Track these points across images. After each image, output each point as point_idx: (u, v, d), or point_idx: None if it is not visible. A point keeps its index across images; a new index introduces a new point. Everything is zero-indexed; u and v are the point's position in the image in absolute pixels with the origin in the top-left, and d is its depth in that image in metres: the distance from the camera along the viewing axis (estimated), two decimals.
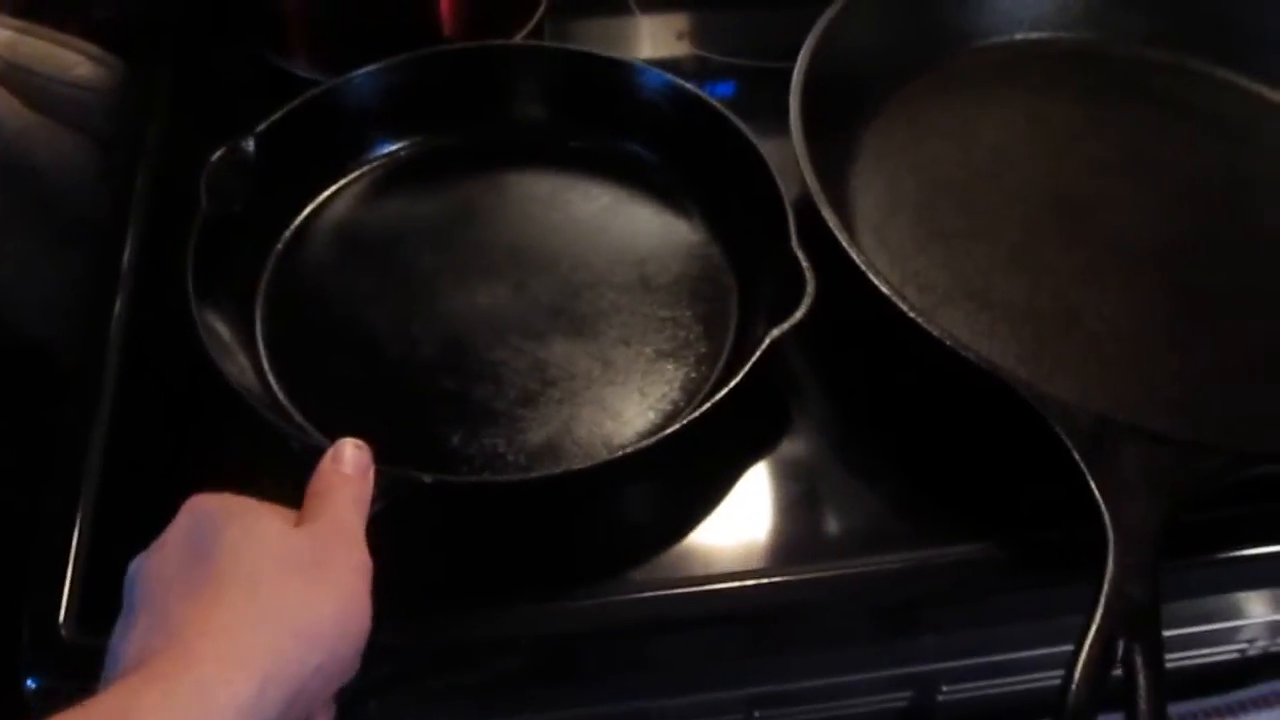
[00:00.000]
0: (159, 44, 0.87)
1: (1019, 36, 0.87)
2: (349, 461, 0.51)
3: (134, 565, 0.47)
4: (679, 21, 0.93)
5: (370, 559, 0.48)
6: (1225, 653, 0.73)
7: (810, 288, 0.59)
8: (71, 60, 0.87)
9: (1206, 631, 0.70)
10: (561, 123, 0.77)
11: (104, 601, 0.55)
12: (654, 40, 0.93)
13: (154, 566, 0.46)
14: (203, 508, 0.47)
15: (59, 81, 0.86)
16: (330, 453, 0.51)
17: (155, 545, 0.47)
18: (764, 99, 0.84)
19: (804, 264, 0.61)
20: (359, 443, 0.52)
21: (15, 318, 0.88)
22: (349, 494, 0.50)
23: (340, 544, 0.47)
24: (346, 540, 0.48)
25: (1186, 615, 0.68)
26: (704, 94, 0.72)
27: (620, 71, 0.75)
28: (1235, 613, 0.70)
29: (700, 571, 0.60)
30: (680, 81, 0.74)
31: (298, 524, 0.48)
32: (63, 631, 0.56)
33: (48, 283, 0.87)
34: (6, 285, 0.86)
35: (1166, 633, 0.65)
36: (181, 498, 0.60)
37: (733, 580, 0.59)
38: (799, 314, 0.59)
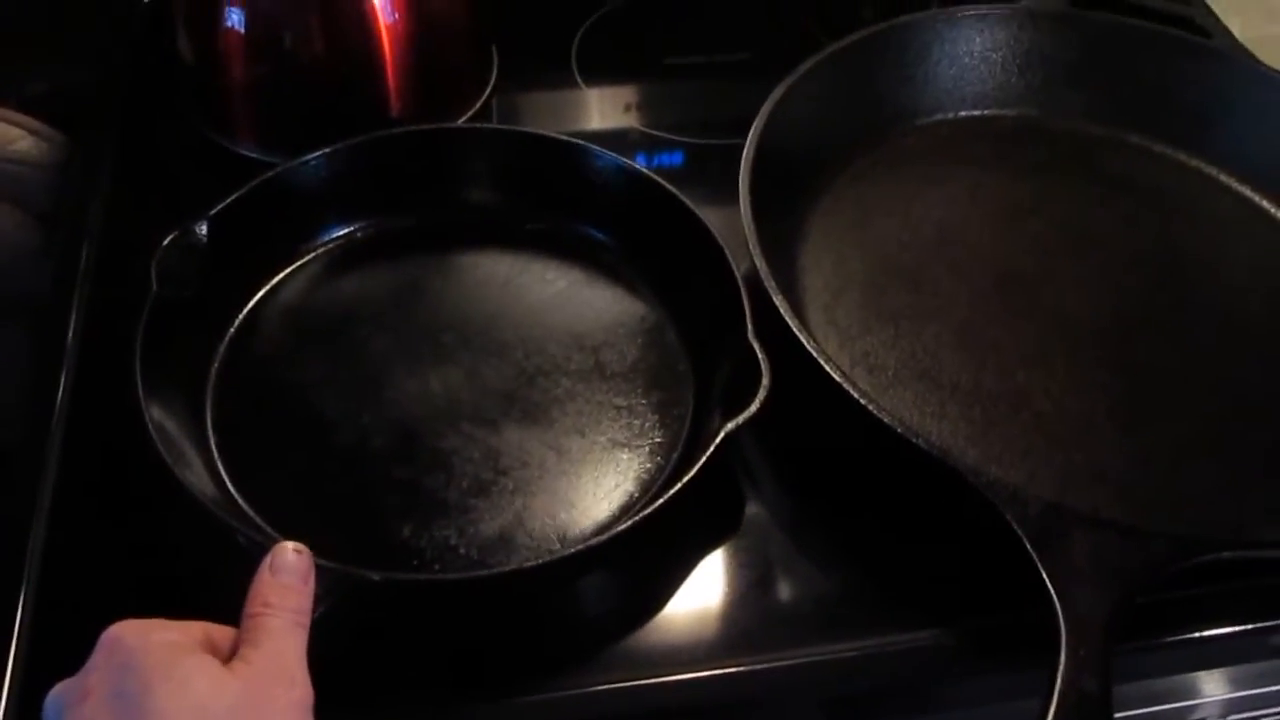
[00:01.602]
0: (101, 120, 0.86)
1: (962, 114, 0.88)
2: (288, 569, 0.49)
3: (54, 705, 0.45)
4: (626, 94, 0.94)
5: (311, 689, 0.47)
6: None
7: (765, 380, 0.59)
8: (11, 135, 0.87)
9: (1159, 712, 0.71)
10: (516, 204, 0.77)
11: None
12: (601, 113, 0.93)
13: None
14: (124, 648, 0.45)
15: None
16: (268, 560, 0.50)
17: (78, 691, 0.45)
18: (710, 168, 0.86)
19: (760, 356, 0.61)
20: (299, 546, 0.51)
21: None
22: (287, 613, 0.48)
23: (278, 683, 0.46)
24: (285, 677, 0.46)
25: (1139, 696, 0.69)
26: (658, 178, 0.73)
27: (573, 154, 0.75)
28: (1187, 692, 0.71)
29: (653, 663, 0.59)
30: (635, 165, 0.74)
31: (233, 653, 0.47)
32: None
33: None
34: None
35: (1121, 715, 0.66)
36: (126, 592, 0.60)
37: (685, 672, 0.59)
38: (753, 408, 0.59)
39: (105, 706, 0.43)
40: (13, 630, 0.58)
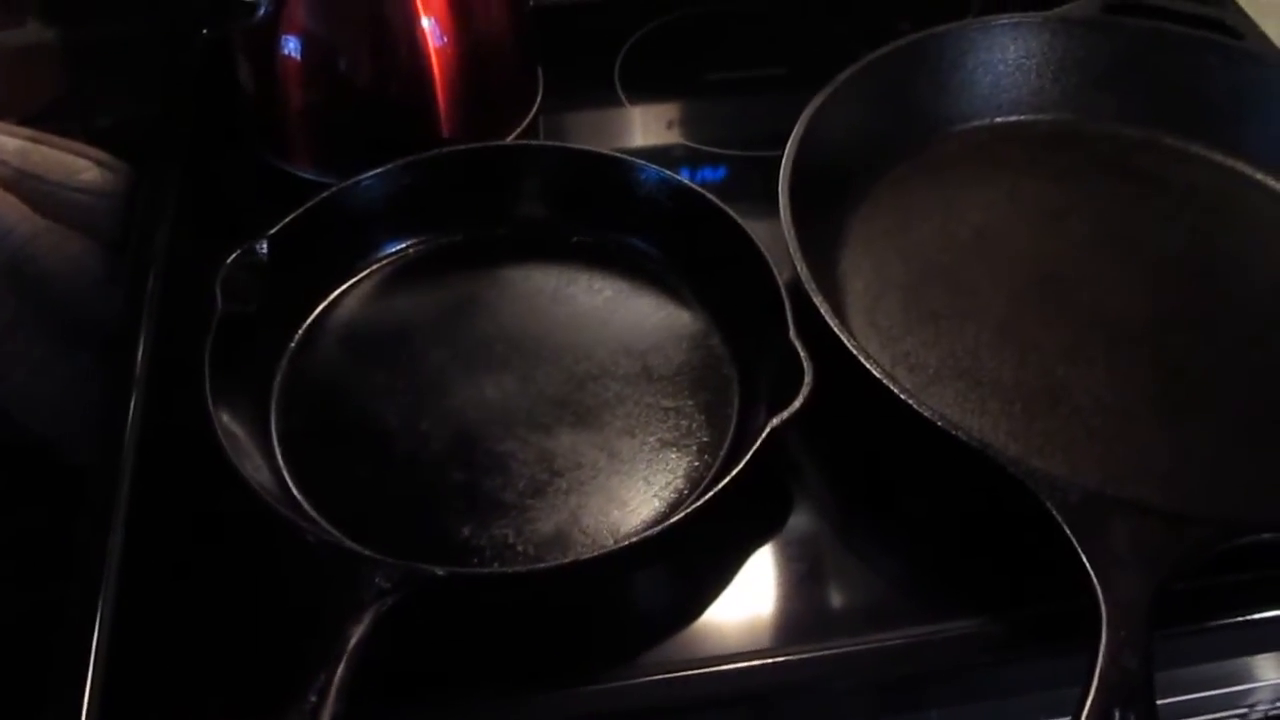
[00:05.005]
0: (166, 149, 0.89)
1: (998, 120, 0.89)
2: None
3: None
4: (668, 111, 0.96)
5: None
6: (1229, 718, 0.74)
7: (808, 377, 0.61)
8: (79, 166, 0.90)
9: (1211, 696, 0.72)
10: (563, 219, 0.79)
11: (122, 708, 0.58)
12: (644, 130, 0.95)
13: None
14: None
15: (67, 187, 0.88)
16: None
17: None
18: (752, 181, 0.88)
19: (802, 354, 0.63)
20: None
21: (26, 417, 0.90)
22: None
23: None
24: None
25: (1192, 680, 0.70)
26: (702, 189, 0.75)
27: (619, 168, 0.77)
28: (1240, 677, 0.71)
29: (708, 653, 0.61)
30: (678, 177, 0.76)
31: None
32: None
33: (57, 382, 0.89)
34: (17, 386, 0.88)
35: (1171, 699, 0.67)
36: (200, 599, 0.62)
37: (739, 661, 0.61)
38: (797, 404, 0.61)
39: None
40: (91, 642, 0.60)
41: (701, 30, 1.02)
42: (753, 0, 1.05)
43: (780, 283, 0.68)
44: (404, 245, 0.79)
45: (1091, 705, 0.52)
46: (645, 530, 0.62)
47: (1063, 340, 0.75)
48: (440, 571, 0.56)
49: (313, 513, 0.64)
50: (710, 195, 0.74)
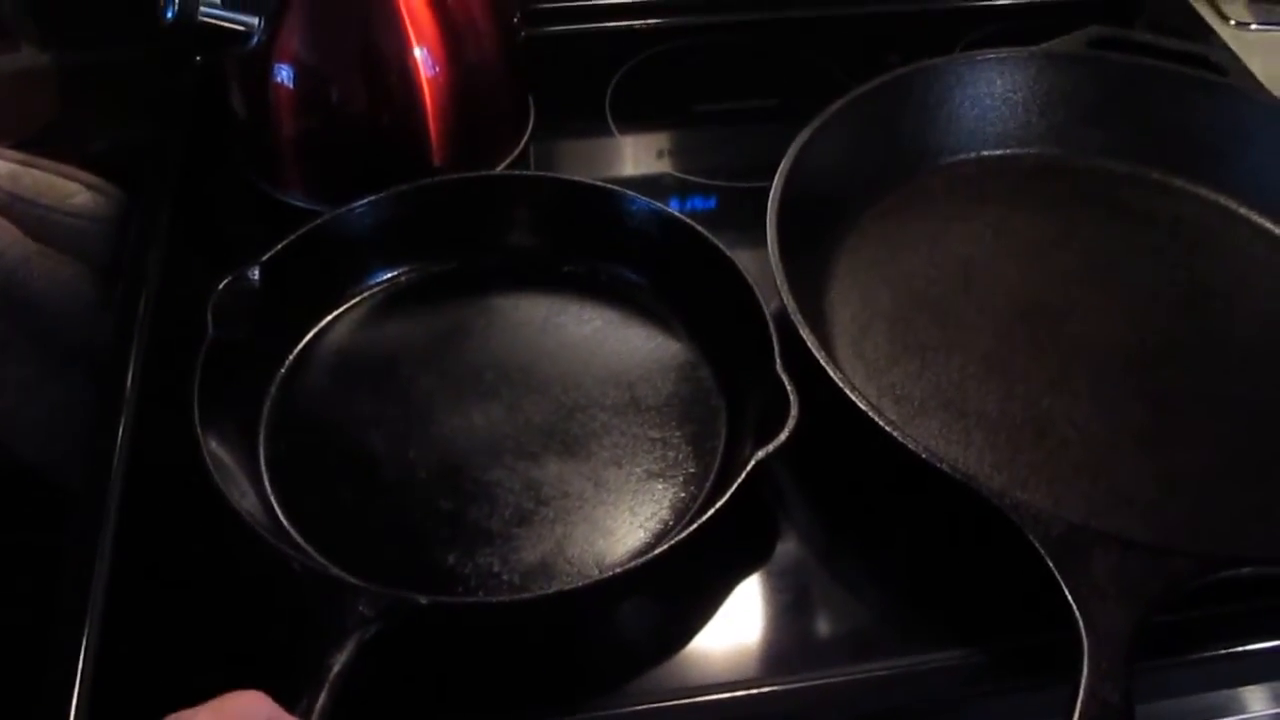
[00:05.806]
0: (158, 175, 0.89)
1: (985, 153, 0.90)
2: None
3: None
4: (658, 141, 0.97)
5: None
6: None
7: (794, 410, 0.62)
8: (71, 189, 0.90)
9: None
10: (553, 248, 0.79)
11: None
12: (635, 160, 0.96)
13: None
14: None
15: (58, 211, 0.88)
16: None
17: None
18: (742, 212, 0.88)
19: (788, 387, 0.63)
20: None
21: (14, 441, 0.90)
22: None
23: None
24: None
25: (1177, 713, 0.70)
26: (690, 220, 0.75)
27: (609, 199, 0.78)
28: (1226, 709, 0.71)
29: (693, 683, 0.61)
30: (667, 208, 0.77)
31: None
32: None
33: (47, 406, 0.89)
34: (6, 409, 0.88)
35: None
36: (186, 623, 0.62)
37: (724, 691, 0.61)
38: (783, 436, 0.61)
39: None
40: (76, 665, 0.60)
41: (692, 61, 1.03)
42: (743, 32, 1.06)
43: (768, 314, 0.69)
44: (394, 273, 0.79)
45: None
46: (631, 560, 0.62)
47: (1048, 372, 0.75)
48: (424, 600, 0.56)
49: (299, 539, 0.64)
50: (699, 227, 0.75)
